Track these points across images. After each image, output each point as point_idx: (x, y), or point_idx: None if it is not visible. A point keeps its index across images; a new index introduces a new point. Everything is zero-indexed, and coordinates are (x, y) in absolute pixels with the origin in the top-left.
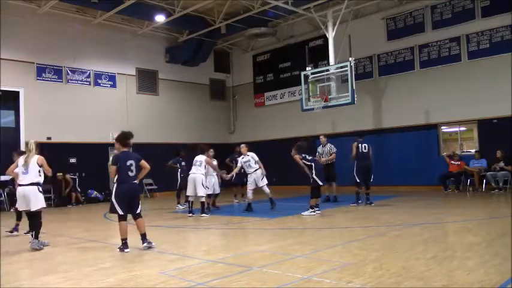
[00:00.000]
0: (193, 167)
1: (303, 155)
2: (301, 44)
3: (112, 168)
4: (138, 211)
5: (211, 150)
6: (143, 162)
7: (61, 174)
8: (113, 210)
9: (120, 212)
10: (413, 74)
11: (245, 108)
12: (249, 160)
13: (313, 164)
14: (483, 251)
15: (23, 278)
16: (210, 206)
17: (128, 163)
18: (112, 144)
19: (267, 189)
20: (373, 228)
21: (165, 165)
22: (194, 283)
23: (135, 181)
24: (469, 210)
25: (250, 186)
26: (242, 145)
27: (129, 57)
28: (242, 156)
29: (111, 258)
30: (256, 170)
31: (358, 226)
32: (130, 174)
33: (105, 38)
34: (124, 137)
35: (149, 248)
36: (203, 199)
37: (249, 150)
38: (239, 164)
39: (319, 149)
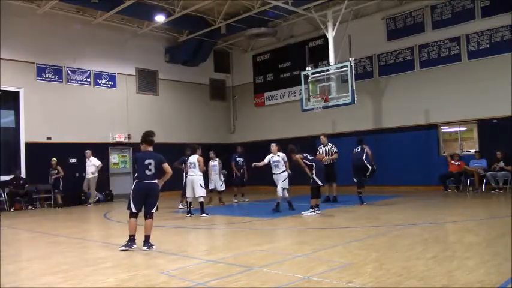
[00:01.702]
0: (189, 170)
1: (304, 155)
2: (301, 44)
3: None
4: (152, 211)
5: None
6: (166, 166)
7: (55, 160)
8: (128, 206)
9: (133, 210)
10: (413, 74)
11: (245, 108)
12: (278, 160)
13: (314, 164)
14: (483, 251)
15: (23, 278)
16: (222, 200)
17: (146, 162)
18: (112, 144)
19: (281, 192)
20: (373, 228)
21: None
22: (194, 283)
23: (153, 180)
24: (469, 210)
25: (281, 184)
26: (273, 144)
27: (129, 57)
28: (272, 155)
29: (111, 258)
30: (283, 171)
31: (358, 226)
32: (147, 172)
33: (105, 38)
34: (143, 136)
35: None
36: (202, 199)
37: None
38: (265, 161)
39: (320, 148)
